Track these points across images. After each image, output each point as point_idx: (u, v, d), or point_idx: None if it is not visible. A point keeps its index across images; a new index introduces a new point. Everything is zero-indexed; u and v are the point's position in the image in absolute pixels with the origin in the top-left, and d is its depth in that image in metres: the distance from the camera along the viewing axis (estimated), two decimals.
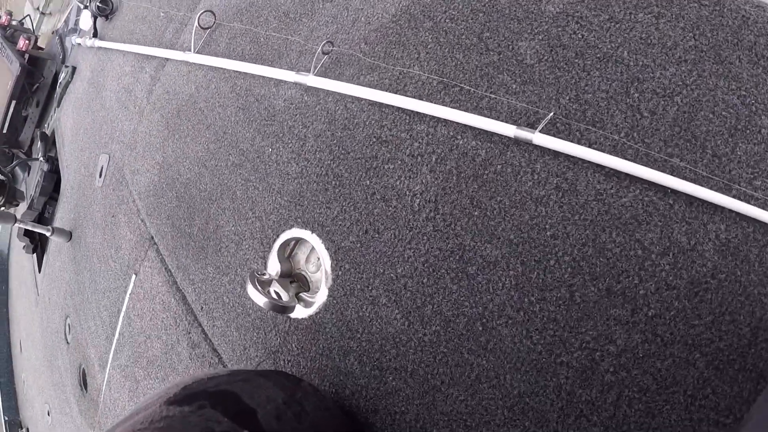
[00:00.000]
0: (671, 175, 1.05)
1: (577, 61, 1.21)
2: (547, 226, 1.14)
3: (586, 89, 1.18)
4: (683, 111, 1.09)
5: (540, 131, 1.16)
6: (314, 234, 1.47)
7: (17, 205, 4.87)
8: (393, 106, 1.39)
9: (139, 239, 2.30)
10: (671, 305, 1.02)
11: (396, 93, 1.40)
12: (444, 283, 1.23)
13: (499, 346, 1.15)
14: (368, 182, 1.39)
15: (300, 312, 1.49)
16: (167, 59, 2.48)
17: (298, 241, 1.55)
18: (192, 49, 2.18)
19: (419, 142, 1.33)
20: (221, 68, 2.00)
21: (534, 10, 1.31)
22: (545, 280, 1.12)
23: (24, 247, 4.08)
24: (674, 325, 1.01)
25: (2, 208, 3.51)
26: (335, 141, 1.48)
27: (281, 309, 1.37)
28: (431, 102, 1.33)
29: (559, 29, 1.26)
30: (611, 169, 1.10)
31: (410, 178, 1.32)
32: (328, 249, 1.44)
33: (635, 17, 1.20)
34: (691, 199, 1.03)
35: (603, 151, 1.11)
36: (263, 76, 1.76)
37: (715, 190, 1.01)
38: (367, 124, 1.43)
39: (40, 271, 4.03)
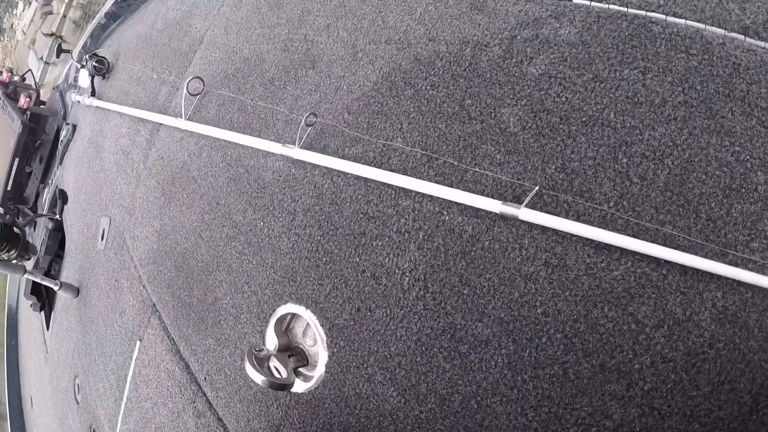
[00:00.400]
0: (663, 245, 1.02)
1: (561, 126, 1.20)
2: (537, 303, 1.12)
3: (572, 157, 1.16)
4: (675, 174, 1.06)
5: (526, 206, 1.15)
6: (308, 310, 1.47)
7: (29, 259, 4.93)
8: (378, 182, 1.39)
9: (142, 306, 2.31)
10: (668, 378, 1.00)
11: (380, 166, 1.40)
12: (437, 361, 1.22)
13: (494, 423, 1.14)
14: (358, 259, 1.38)
15: (300, 386, 1.48)
16: (161, 124, 2.52)
17: (294, 315, 1.55)
18: (183, 116, 2.21)
19: (406, 219, 1.32)
20: (211, 137, 2.02)
21: (515, 74, 1.31)
22: (538, 358, 1.10)
23: (31, 305, 4.12)
24: (671, 398, 0.99)
25: (14, 262, 3.57)
26: (324, 216, 1.49)
27: (279, 386, 1.37)
28: (415, 176, 1.33)
29: (542, 93, 1.25)
30: (601, 242, 1.08)
31: (399, 256, 1.31)
32: (323, 325, 1.44)
33: (620, 74, 1.19)
34: (685, 269, 1.01)
35: (592, 223, 1.09)
36: (251, 147, 1.77)
37: (710, 258, 0.99)
38: (353, 199, 1.44)
39: (48, 329, 4.06)
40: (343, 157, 1.48)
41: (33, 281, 3.95)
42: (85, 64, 3.80)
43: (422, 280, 1.26)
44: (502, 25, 1.40)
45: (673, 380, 0.99)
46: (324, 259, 1.45)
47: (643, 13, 1.23)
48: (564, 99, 1.22)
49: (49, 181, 4.56)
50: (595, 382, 1.04)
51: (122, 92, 3.35)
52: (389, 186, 1.37)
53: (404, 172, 1.35)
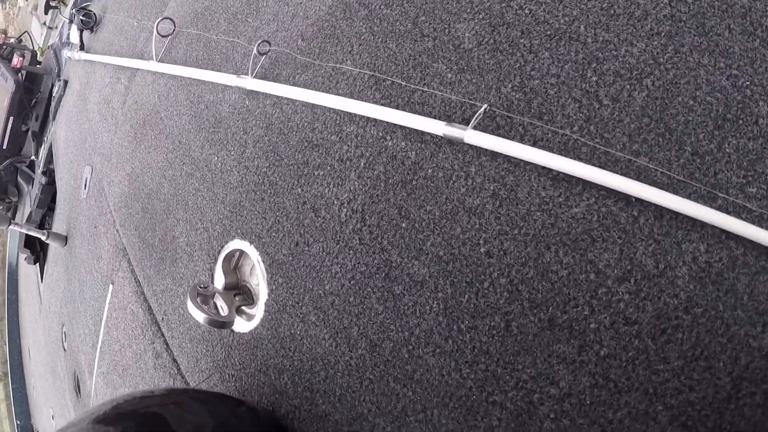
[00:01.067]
0: (636, 179, 0.84)
1: (522, 41, 1.04)
2: (481, 242, 0.98)
3: (532, 74, 1.00)
4: (655, 97, 0.88)
5: (473, 128, 1.01)
6: (252, 245, 1.41)
7: (10, 204, 4.99)
8: (324, 108, 1.31)
9: (115, 250, 2.30)
10: (629, 344, 0.82)
11: (328, 91, 1.32)
12: (370, 303, 1.12)
13: (426, 377, 1.01)
14: (300, 190, 1.32)
15: (241, 326, 1.44)
16: (137, 69, 2.47)
17: (242, 252, 1.50)
18: (154, 58, 2.15)
19: (348, 146, 1.24)
20: (179, 76, 1.96)
21: None
22: (477, 306, 0.96)
23: (26, 258, 4.17)
24: (632, 369, 0.81)
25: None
26: (271, 147, 1.42)
27: (218, 324, 1.31)
28: (362, 99, 1.24)
29: (503, 5, 1.09)
30: (560, 172, 0.90)
31: (338, 186, 1.23)
32: (263, 261, 1.38)
33: None
34: (661, 211, 0.83)
35: (551, 150, 0.92)
36: (212, 82, 1.71)
37: (694, 200, 0.80)
38: (300, 127, 1.37)
39: (42, 281, 4.11)
40: (294, 85, 1.40)
41: (27, 234, 3.98)
42: (73, 18, 3.76)
43: (360, 212, 1.17)
44: None
45: (636, 348, 0.81)
46: (269, 191, 1.39)
47: None
48: (527, 11, 1.06)
49: (45, 138, 4.56)
50: (542, 340, 0.88)
51: (107, 43, 3.31)
52: (334, 112, 1.29)
53: (351, 96, 1.27)
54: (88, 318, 2.66)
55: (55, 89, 4.24)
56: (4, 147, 4.64)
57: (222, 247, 1.52)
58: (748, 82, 0.84)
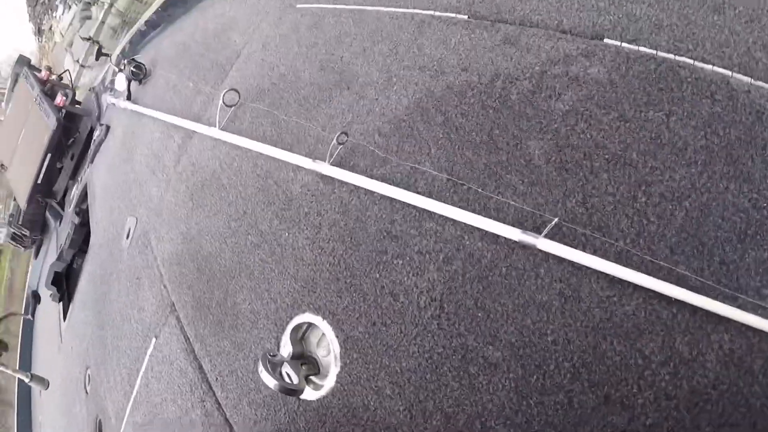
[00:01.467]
0: (676, 284, 1.05)
1: (585, 162, 1.25)
2: (548, 332, 1.16)
3: (593, 192, 1.21)
4: (692, 216, 1.10)
5: (544, 236, 1.19)
6: (325, 321, 1.51)
7: (34, 241, 5.09)
8: (404, 203, 1.45)
9: (161, 304, 2.37)
10: (669, 415, 1.02)
11: (407, 188, 1.46)
12: (446, 380, 1.25)
13: None
14: (378, 276, 1.43)
15: (309, 394, 1.52)
16: (194, 131, 2.62)
17: (310, 324, 1.60)
18: (217, 126, 2.30)
19: (427, 240, 1.37)
20: (244, 148, 2.11)
21: (544, 108, 1.37)
22: (544, 384, 1.13)
23: (51, 295, 4.22)
24: None
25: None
26: (348, 232, 1.54)
27: (290, 392, 1.41)
28: (440, 200, 1.38)
29: (568, 128, 1.30)
30: (615, 276, 1.11)
31: (418, 275, 1.36)
32: (337, 337, 1.48)
33: (646, 116, 1.23)
34: (695, 309, 1.04)
35: (607, 258, 1.13)
36: (283, 160, 1.85)
37: (721, 300, 1.02)
38: (378, 217, 1.49)
39: (65, 319, 4.15)
40: (372, 177, 1.54)
41: (55, 271, 4.07)
42: (123, 68, 3.93)
43: (438, 300, 1.30)
44: (533, 60, 1.46)
45: (674, 417, 1.01)
46: (345, 273, 1.51)
47: (671, 56, 1.29)
48: (589, 136, 1.27)
49: (79, 178, 4.71)
50: (599, 413, 1.07)
51: (157, 98, 3.48)
52: (414, 207, 1.42)
53: (429, 196, 1.40)
54: (121, 366, 2.70)
55: (96, 133, 4.40)
56: (39, 182, 4.77)
57: (291, 318, 1.61)
58: (765, 203, 1.07)
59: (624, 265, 1.10)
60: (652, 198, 1.15)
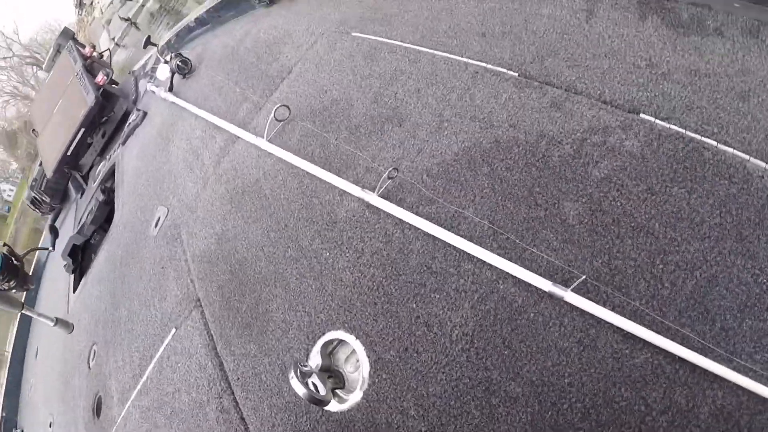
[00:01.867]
0: (681, 344, 1.20)
1: (613, 227, 1.38)
2: (566, 374, 1.29)
3: (617, 255, 1.35)
4: (701, 285, 1.24)
5: (572, 290, 1.33)
6: (358, 341, 1.63)
7: (28, 290, 5.18)
8: (446, 243, 1.57)
9: (185, 298, 2.48)
10: None
11: (450, 229, 1.59)
12: (469, 408, 1.38)
13: None
14: (414, 306, 1.55)
15: (333, 406, 1.64)
16: (238, 137, 2.74)
17: (341, 341, 1.71)
18: (265, 137, 2.43)
19: (465, 280, 1.50)
20: (291, 163, 2.23)
21: (581, 173, 1.50)
22: (557, 421, 1.27)
23: (65, 265, 4.32)
24: None
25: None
26: (389, 261, 1.67)
27: (317, 402, 1.52)
28: (480, 245, 1.51)
29: (602, 194, 1.44)
30: (629, 332, 1.26)
31: (452, 310, 1.48)
32: (369, 357, 1.60)
33: (670, 191, 1.37)
34: (695, 367, 1.19)
35: (624, 315, 1.27)
36: (330, 183, 1.97)
37: (718, 361, 1.17)
38: (420, 252, 1.62)
39: (74, 291, 4.24)
40: (417, 214, 1.66)
41: (74, 243, 4.16)
42: (169, 60, 4.06)
43: (470, 335, 1.43)
44: (576, 127, 1.59)
45: None
46: (383, 299, 1.63)
47: (698, 137, 1.42)
48: (619, 204, 1.41)
49: (108, 157, 4.83)
50: None
51: (201, 95, 3.60)
52: (455, 248, 1.55)
53: (471, 239, 1.53)
54: (132, 349, 2.79)
55: (132, 116, 4.54)
56: (69, 154, 4.90)
57: (324, 333, 1.73)
58: (765, 279, 1.20)
59: (638, 323, 1.24)
60: (668, 266, 1.29)
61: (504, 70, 1.85)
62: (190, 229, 2.72)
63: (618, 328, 1.26)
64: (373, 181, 1.86)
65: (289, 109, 2.46)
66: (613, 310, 1.28)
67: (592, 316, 1.30)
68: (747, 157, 1.34)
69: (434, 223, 1.61)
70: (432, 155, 1.78)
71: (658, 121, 1.49)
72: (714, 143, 1.39)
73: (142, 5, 8.30)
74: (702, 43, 1.56)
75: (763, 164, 1.32)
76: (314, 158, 2.16)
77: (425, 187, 1.72)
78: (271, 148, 2.36)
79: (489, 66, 1.90)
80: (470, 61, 1.97)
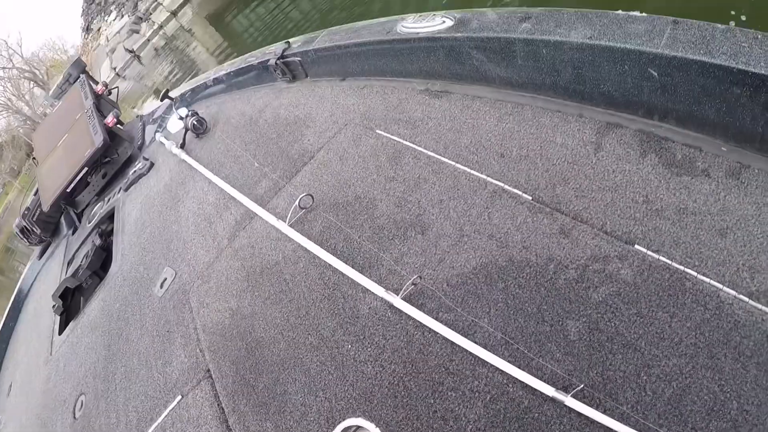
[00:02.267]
0: None
1: (607, 344, 1.63)
2: None
3: (609, 368, 1.60)
4: (676, 394, 1.48)
5: (571, 396, 1.57)
6: (378, 428, 1.81)
7: (41, 240, 5.14)
8: (463, 348, 1.79)
9: (194, 367, 2.57)
10: None
11: (467, 336, 1.81)
12: None
13: None
14: (432, 401, 1.76)
15: None
16: (256, 214, 2.89)
17: (360, 428, 1.89)
18: (287, 222, 2.62)
19: (479, 382, 1.72)
20: (312, 252, 2.40)
21: (583, 296, 1.76)
22: None
23: (54, 306, 4.29)
24: None
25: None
26: (410, 360, 1.88)
27: None
28: (493, 352, 1.74)
29: (599, 315, 1.69)
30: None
31: (467, 408, 1.70)
32: None
33: (655, 315, 1.63)
34: None
35: (614, 417, 1.50)
36: (353, 279, 2.18)
37: None
38: (439, 354, 1.84)
39: (60, 333, 4.19)
40: (437, 320, 1.89)
41: (66, 286, 4.17)
42: (184, 117, 4.23)
43: (483, 430, 1.64)
44: (581, 254, 1.85)
45: None
46: (403, 392, 1.82)
47: (682, 268, 1.68)
48: (613, 324, 1.66)
49: (106, 199, 4.91)
50: None
51: (215, 160, 3.74)
52: (471, 354, 1.77)
53: (485, 347, 1.75)
54: (129, 408, 2.82)
55: (138, 164, 4.66)
56: (68, 191, 4.95)
57: (344, 418, 1.90)
58: (729, 389, 1.42)
59: (625, 424, 1.46)
60: (651, 377, 1.53)
61: (520, 193, 2.10)
62: (201, 299, 2.82)
63: (609, 428, 1.48)
64: (395, 282, 2.09)
65: (312, 198, 2.66)
66: (604, 413, 1.51)
67: (587, 417, 1.53)
68: (721, 286, 1.59)
69: (453, 329, 1.84)
70: (452, 266, 2.03)
71: (649, 252, 1.74)
72: (695, 274, 1.64)
73: (148, 39, 8.50)
74: (691, 182, 1.82)
75: (733, 293, 1.57)
76: (337, 252, 2.37)
77: (445, 295, 1.96)
78: (293, 234, 2.54)
79: (506, 187, 2.15)
80: (489, 179, 2.21)
